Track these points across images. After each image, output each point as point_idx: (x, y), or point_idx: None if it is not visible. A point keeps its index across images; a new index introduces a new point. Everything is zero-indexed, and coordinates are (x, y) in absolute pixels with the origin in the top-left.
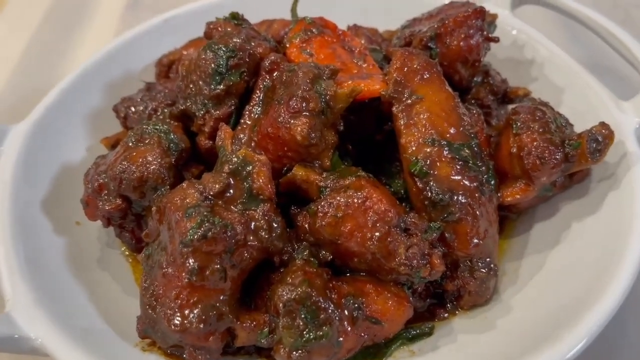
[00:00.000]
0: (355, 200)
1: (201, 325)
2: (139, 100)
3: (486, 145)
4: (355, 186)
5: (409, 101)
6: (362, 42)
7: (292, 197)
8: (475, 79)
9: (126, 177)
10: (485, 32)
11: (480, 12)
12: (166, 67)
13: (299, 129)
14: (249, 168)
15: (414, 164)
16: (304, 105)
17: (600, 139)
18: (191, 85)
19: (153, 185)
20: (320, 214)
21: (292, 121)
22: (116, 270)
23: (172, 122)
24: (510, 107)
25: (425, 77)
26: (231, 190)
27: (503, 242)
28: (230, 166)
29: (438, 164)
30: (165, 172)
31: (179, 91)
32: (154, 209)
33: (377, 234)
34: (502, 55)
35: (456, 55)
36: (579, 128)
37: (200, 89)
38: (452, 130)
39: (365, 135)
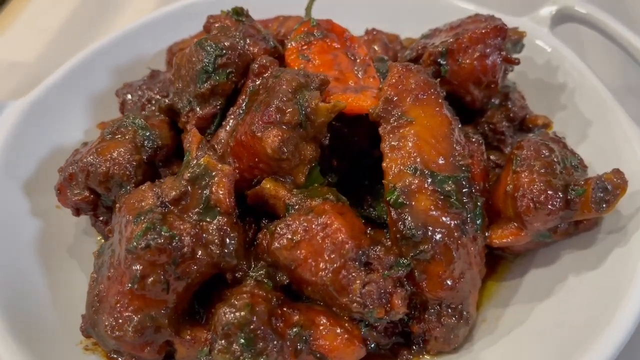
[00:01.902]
0: (314, 226)
1: (137, 335)
2: (137, 87)
3: (481, 179)
4: (317, 211)
5: (397, 123)
6: (376, 48)
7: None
8: (492, 100)
9: (93, 170)
10: (504, 52)
11: (501, 30)
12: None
13: (269, 140)
14: (210, 177)
15: (390, 192)
16: (278, 116)
17: (610, 188)
18: (180, 80)
19: (118, 182)
20: (277, 235)
21: (264, 131)
22: (86, 260)
23: (160, 115)
24: (530, 136)
25: (420, 97)
26: (188, 198)
27: (493, 285)
28: (189, 173)
29: (417, 195)
30: (132, 169)
31: (170, 84)
32: (117, 206)
33: (331, 265)
34: (533, 75)
35: (468, 75)
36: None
37: (187, 85)
38: (440, 160)
39: (359, 150)
